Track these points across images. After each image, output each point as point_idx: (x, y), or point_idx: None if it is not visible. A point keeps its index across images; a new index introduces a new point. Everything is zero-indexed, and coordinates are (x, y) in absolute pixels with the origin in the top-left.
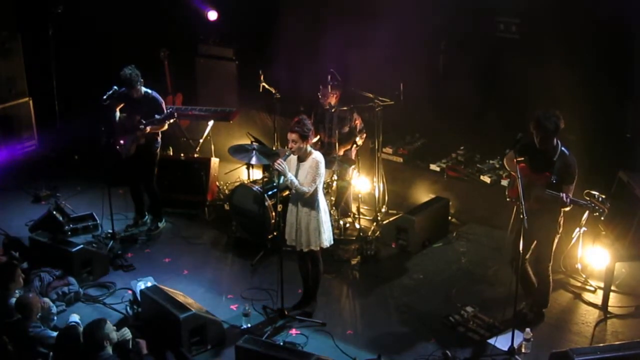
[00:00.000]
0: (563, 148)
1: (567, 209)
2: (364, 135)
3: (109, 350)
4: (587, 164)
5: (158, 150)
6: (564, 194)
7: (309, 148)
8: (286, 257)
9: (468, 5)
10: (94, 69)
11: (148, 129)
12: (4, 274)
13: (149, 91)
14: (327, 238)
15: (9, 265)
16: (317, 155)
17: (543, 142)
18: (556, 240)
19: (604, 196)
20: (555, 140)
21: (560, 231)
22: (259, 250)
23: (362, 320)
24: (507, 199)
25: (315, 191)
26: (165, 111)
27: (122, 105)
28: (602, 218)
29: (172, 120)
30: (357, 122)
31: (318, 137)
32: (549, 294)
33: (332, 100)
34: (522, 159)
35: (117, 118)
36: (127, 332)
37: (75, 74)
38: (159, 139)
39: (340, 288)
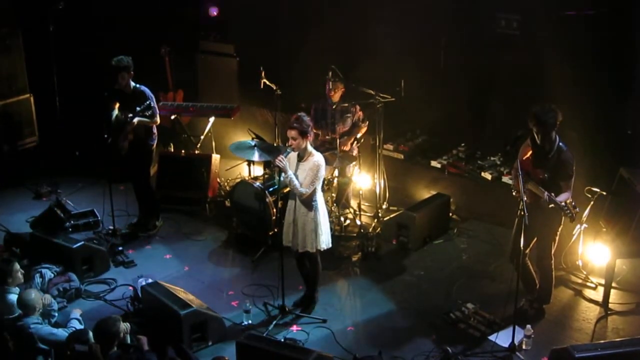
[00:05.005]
0: (561, 144)
1: (551, 206)
2: (367, 123)
3: (115, 347)
4: (589, 160)
5: (154, 147)
6: (547, 192)
7: (309, 147)
8: (287, 253)
9: (469, 2)
10: (94, 66)
11: (135, 121)
12: (2, 270)
13: (138, 86)
14: (324, 240)
15: (7, 261)
16: (319, 159)
17: (544, 138)
18: (557, 237)
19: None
20: (553, 134)
21: (560, 228)
22: (259, 246)
23: (363, 316)
24: (513, 192)
25: (314, 192)
26: (153, 105)
27: (118, 103)
28: (571, 221)
29: (150, 112)
30: (359, 113)
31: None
32: (551, 290)
33: (337, 96)
34: (528, 152)
35: (114, 116)
36: (127, 326)
37: (76, 71)
38: (155, 135)
39: (341, 284)
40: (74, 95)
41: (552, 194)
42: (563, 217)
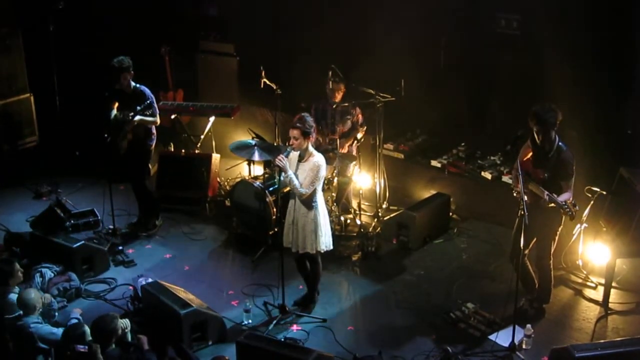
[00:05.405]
0: (560, 143)
1: (551, 205)
2: (365, 128)
3: (112, 344)
4: (589, 160)
5: (152, 147)
6: (547, 192)
7: (310, 148)
8: (287, 253)
9: (469, 2)
10: (94, 65)
11: (135, 120)
12: (3, 269)
13: (138, 86)
14: (324, 242)
15: (8, 262)
16: (319, 159)
17: (544, 137)
18: (557, 237)
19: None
20: (553, 134)
21: (560, 228)
22: (259, 246)
23: (363, 316)
24: (514, 193)
25: (314, 193)
26: (154, 105)
27: (117, 103)
28: (571, 220)
29: (150, 111)
30: (359, 115)
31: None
32: (550, 289)
33: (339, 96)
34: (529, 153)
35: (113, 116)
36: (126, 323)
37: (76, 71)
38: (154, 136)
39: (341, 284)
40: (74, 95)
41: (554, 194)
42: (563, 217)
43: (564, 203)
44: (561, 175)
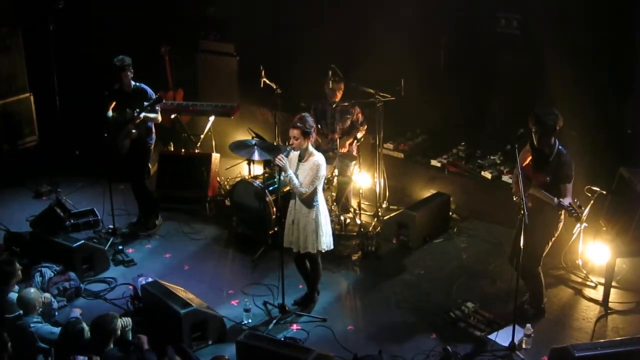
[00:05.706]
0: (560, 147)
1: (560, 211)
2: (365, 127)
3: (111, 344)
4: (588, 160)
5: (152, 146)
6: (556, 198)
7: (310, 147)
8: (287, 252)
9: (469, 2)
10: (94, 65)
11: (141, 116)
12: (5, 270)
13: (138, 84)
14: (325, 242)
15: (9, 262)
16: (319, 158)
17: (542, 140)
18: (550, 243)
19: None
20: (553, 138)
21: (556, 233)
22: (259, 245)
23: (363, 315)
24: (514, 198)
25: (315, 193)
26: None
27: (114, 104)
28: (577, 221)
29: (160, 105)
30: (358, 115)
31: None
32: (542, 291)
33: (339, 96)
34: (528, 158)
35: (110, 116)
36: (127, 321)
37: (76, 71)
38: (153, 134)
39: (341, 284)
40: (74, 95)
41: (566, 200)
42: (561, 224)
43: (569, 206)
44: (562, 178)
